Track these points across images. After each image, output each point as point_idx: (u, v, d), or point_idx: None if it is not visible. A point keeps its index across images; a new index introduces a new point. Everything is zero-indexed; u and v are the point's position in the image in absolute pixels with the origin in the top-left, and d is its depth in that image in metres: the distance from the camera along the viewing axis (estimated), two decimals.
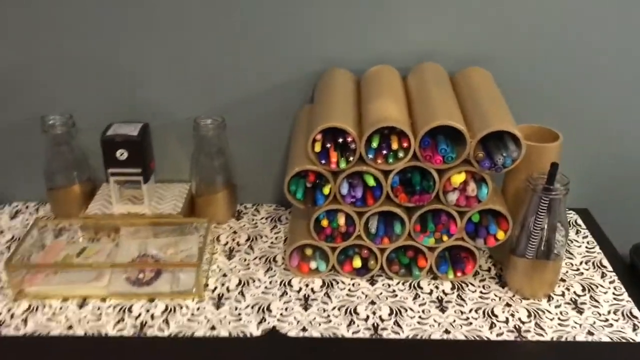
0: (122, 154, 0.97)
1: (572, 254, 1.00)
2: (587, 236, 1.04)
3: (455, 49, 1.00)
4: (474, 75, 0.96)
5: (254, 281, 0.93)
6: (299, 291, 0.91)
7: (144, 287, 0.90)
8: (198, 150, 1.02)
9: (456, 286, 0.92)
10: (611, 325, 0.85)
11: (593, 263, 0.98)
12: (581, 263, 0.98)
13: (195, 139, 1.01)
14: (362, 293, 0.91)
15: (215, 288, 0.91)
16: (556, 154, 0.88)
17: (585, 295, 0.91)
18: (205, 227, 0.97)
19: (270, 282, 0.93)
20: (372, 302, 0.89)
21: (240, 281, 0.93)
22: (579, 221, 1.08)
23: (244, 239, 1.03)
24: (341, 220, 0.88)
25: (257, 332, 0.83)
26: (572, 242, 1.03)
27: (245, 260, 0.98)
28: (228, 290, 0.91)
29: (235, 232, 1.04)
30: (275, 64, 1.01)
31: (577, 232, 1.05)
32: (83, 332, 0.83)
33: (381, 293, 0.91)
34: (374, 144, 0.83)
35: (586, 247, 1.01)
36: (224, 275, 0.94)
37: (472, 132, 0.82)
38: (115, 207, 1.02)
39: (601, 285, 0.93)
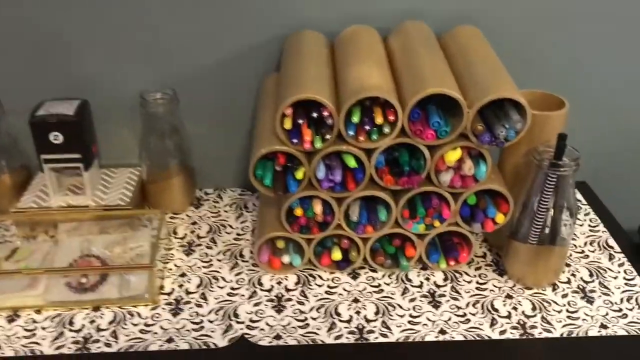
0: (56, 138, 0.82)
1: (574, 233, 0.89)
2: (588, 213, 0.94)
3: (441, 5, 0.87)
4: (464, 35, 0.83)
5: (217, 280, 0.80)
6: (270, 290, 0.79)
7: (87, 294, 0.76)
8: (147, 129, 0.87)
9: (449, 277, 0.81)
10: (625, 315, 0.75)
11: (598, 243, 0.88)
12: (585, 244, 0.87)
13: (143, 116, 0.87)
14: (344, 289, 0.79)
15: (172, 291, 0.78)
16: (562, 123, 0.77)
17: (593, 281, 0.81)
18: (158, 219, 0.84)
19: (237, 282, 0.80)
20: (356, 300, 0.77)
21: (201, 281, 0.80)
22: (579, 196, 0.98)
23: (205, 230, 0.90)
24: (317, 208, 0.76)
25: (222, 343, 0.71)
26: None
27: (206, 256, 0.85)
28: (187, 292, 0.78)
29: (194, 223, 0.91)
30: (235, 27, 0.87)
31: (578, 208, 0.95)
32: (13, 353, 0.69)
33: (365, 288, 0.79)
34: (355, 119, 0.70)
35: (589, 226, 0.91)
36: (182, 275, 0.81)
37: (469, 100, 0.70)
38: (53, 198, 0.87)
39: (610, 269, 0.83)
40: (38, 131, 0.81)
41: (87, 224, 0.85)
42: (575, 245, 0.87)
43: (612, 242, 0.88)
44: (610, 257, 0.85)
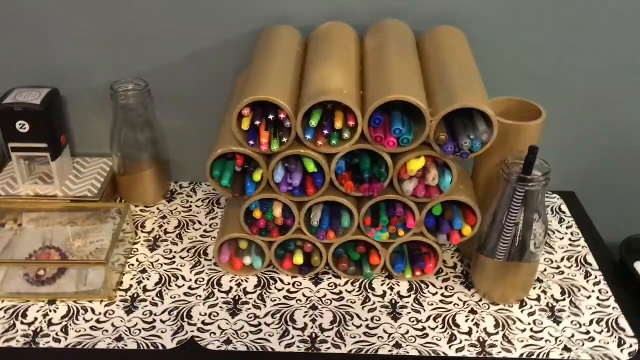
0: (22, 126, 0.81)
1: (552, 247, 0.86)
2: (571, 226, 0.90)
3: (426, 4, 0.83)
4: (444, 37, 0.80)
5: (177, 279, 0.79)
6: (228, 292, 0.77)
7: (45, 286, 0.76)
8: (118, 121, 0.86)
9: (414, 287, 0.79)
10: (592, 339, 0.72)
11: (576, 259, 0.84)
12: (562, 259, 0.84)
13: (115, 108, 0.85)
14: (303, 295, 0.77)
15: (130, 287, 0.77)
16: (537, 133, 0.73)
17: (564, 300, 0.77)
18: (122, 212, 0.82)
19: (196, 281, 0.79)
20: (314, 307, 0.75)
21: (161, 279, 0.79)
22: (564, 207, 0.94)
23: (174, 225, 0.88)
24: (277, 211, 0.74)
25: (171, 345, 0.70)
26: (553, 232, 0.89)
27: (170, 252, 0.83)
28: (145, 290, 0.77)
29: (164, 217, 0.90)
30: (212, 19, 0.85)
31: (561, 220, 0.91)
32: None
33: (325, 295, 0.77)
34: (313, 122, 0.67)
35: (570, 240, 0.87)
36: (143, 271, 0.80)
37: (435, 107, 0.67)
38: (22, 187, 0.87)
39: (584, 288, 0.79)
40: (4, 119, 0.81)
41: (54, 214, 0.85)
42: (551, 260, 0.84)
43: (591, 258, 0.84)
44: (587, 275, 0.81)
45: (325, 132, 0.68)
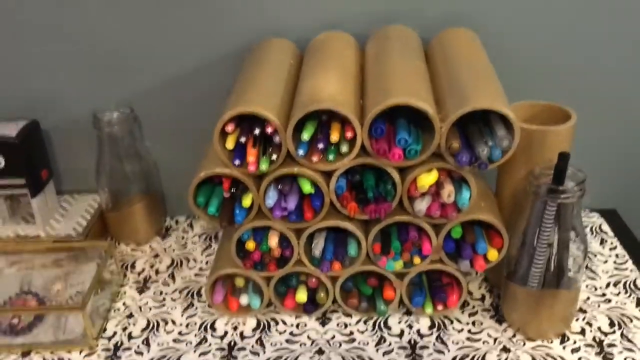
0: None
1: (595, 272, 0.75)
2: (615, 247, 0.79)
3: (432, 7, 0.75)
4: (453, 38, 0.71)
5: (166, 323, 0.70)
6: (222, 337, 0.68)
7: (20, 336, 0.68)
8: (103, 152, 0.79)
9: (437, 324, 0.68)
10: None
11: (625, 285, 0.73)
12: (608, 285, 0.73)
13: (99, 138, 0.78)
14: (308, 338, 0.67)
15: (114, 334, 0.69)
16: (568, 138, 0.64)
17: (614, 333, 0.66)
18: (104, 252, 0.74)
19: (187, 325, 0.70)
20: (320, 351, 0.65)
21: (148, 324, 0.70)
22: (605, 226, 0.83)
23: (166, 264, 0.80)
24: (273, 241, 0.65)
25: None
26: (595, 255, 0.78)
27: (161, 294, 0.75)
28: (130, 337, 0.68)
29: (156, 256, 0.81)
30: (202, 35, 0.78)
31: (602, 241, 0.80)
32: None
33: (333, 337, 0.67)
34: (305, 136, 0.59)
35: (614, 263, 0.76)
36: (129, 315, 0.71)
37: (444, 112, 0.58)
38: (1, 228, 0.80)
39: (637, 318, 0.68)
40: None
41: (37, 256, 0.77)
42: (594, 287, 0.72)
43: None
44: (639, 303, 0.70)
45: (320, 145, 0.59)
